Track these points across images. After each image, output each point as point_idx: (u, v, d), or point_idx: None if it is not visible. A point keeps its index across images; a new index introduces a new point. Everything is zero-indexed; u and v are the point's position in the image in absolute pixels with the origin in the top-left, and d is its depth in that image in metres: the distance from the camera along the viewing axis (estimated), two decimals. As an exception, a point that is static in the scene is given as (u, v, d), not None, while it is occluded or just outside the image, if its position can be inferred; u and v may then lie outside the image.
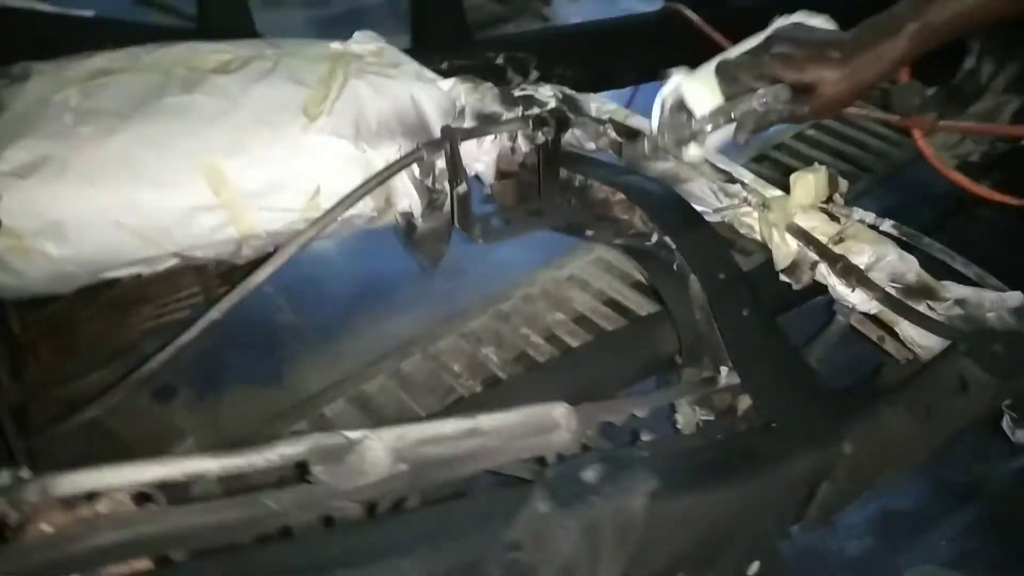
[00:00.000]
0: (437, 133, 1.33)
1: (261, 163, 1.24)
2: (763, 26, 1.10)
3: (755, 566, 1.05)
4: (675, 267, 1.22)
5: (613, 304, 1.92)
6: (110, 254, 1.22)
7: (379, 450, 0.77)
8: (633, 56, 2.06)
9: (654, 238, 1.27)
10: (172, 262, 1.28)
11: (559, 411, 0.90)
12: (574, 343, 1.78)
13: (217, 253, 1.29)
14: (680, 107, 1.10)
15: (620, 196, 1.31)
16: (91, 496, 0.70)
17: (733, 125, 1.06)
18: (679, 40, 2.05)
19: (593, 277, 2.01)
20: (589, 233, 1.38)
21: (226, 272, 1.82)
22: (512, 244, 1.62)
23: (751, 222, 1.23)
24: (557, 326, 1.86)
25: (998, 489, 1.86)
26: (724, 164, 1.29)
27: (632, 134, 1.33)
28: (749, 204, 1.21)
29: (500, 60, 1.65)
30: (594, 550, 0.78)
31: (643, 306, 1.87)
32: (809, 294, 1.22)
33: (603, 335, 1.74)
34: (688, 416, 1.15)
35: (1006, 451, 1.77)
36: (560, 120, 1.29)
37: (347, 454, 0.76)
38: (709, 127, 1.07)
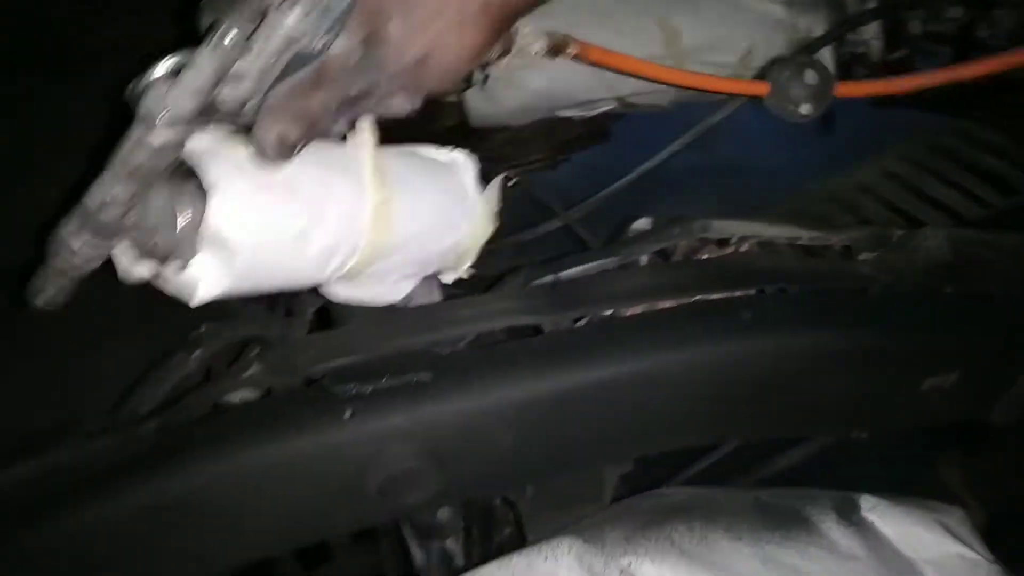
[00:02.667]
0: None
1: (706, 21, 1.38)
2: None
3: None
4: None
5: (901, 213, 1.94)
6: (569, 92, 1.40)
7: (936, 242, 0.90)
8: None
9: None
10: (609, 106, 1.44)
11: None
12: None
13: (648, 102, 1.45)
14: None
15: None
16: (722, 241, 0.88)
17: None
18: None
19: (885, 189, 2.04)
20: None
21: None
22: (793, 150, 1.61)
23: None
24: (850, 231, 1.91)
25: None
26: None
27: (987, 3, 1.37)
28: None
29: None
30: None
31: (936, 219, 1.88)
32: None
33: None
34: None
35: None
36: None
37: (908, 242, 0.90)
38: None
